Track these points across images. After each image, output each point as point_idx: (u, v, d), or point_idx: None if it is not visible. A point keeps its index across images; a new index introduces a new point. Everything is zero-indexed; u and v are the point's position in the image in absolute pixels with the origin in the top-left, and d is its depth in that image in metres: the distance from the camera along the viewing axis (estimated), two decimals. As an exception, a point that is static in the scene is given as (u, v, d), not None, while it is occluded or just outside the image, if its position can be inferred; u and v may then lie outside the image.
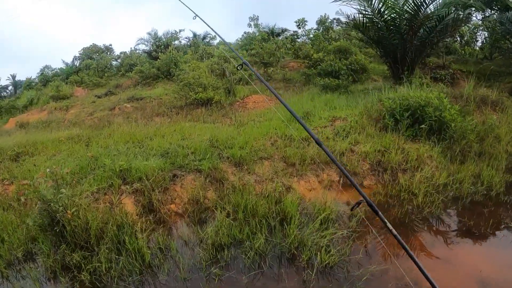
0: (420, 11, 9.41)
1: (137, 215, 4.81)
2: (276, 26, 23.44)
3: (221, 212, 4.59)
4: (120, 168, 5.16)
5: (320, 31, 21.13)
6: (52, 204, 3.81)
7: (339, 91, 11.34)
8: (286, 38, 21.40)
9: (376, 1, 9.81)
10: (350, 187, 5.86)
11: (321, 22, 22.65)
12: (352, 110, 8.32)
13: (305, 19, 22.52)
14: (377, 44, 10.90)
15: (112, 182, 5.05)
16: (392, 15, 9.99)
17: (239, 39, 27.15)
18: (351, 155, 6.53)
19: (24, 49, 60.58)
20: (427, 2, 9.30)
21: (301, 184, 5.74)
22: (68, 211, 3.89)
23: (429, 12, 9.57)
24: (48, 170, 4.06)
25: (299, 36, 23.11)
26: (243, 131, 7.62)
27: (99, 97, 16.95)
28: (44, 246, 4.09)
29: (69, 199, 4.02)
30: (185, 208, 4.99)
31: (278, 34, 22.98)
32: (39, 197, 3.80)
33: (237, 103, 11.10)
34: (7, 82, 33.45)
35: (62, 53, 69.05)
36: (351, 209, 2.10)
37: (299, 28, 22.98)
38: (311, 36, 22.04)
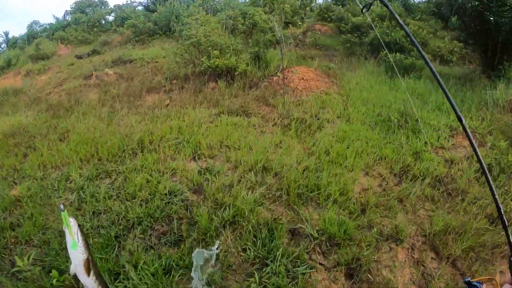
0: None
1: None
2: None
3: None
4: None
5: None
6: None
7: (414, 74, 7.41)
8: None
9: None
10: None
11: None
12: (472, 120, 4.94)
13: None
14: (472, 18, 7.47)
15: None
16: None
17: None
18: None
19: (20, 4, 53.50)
20: None
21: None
22: None
23: None
24: None
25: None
26: (316, 148, 3.91)
27: (80, 57, 12.57)
28: None
29: None
30: None
31: (290, -9, 18.22)
32: None
33: (274, 78, 7.08)
34: (0, 40, 28.97)
35: (55, 8, 61.48)
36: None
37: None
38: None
